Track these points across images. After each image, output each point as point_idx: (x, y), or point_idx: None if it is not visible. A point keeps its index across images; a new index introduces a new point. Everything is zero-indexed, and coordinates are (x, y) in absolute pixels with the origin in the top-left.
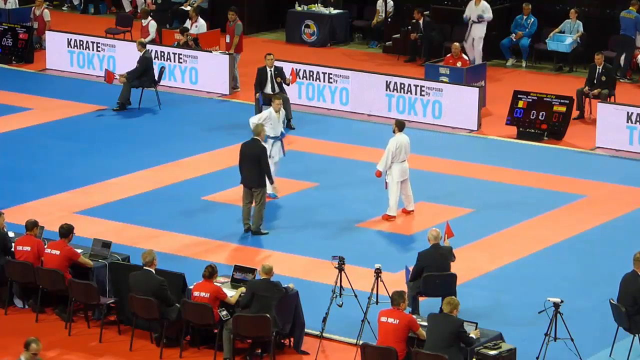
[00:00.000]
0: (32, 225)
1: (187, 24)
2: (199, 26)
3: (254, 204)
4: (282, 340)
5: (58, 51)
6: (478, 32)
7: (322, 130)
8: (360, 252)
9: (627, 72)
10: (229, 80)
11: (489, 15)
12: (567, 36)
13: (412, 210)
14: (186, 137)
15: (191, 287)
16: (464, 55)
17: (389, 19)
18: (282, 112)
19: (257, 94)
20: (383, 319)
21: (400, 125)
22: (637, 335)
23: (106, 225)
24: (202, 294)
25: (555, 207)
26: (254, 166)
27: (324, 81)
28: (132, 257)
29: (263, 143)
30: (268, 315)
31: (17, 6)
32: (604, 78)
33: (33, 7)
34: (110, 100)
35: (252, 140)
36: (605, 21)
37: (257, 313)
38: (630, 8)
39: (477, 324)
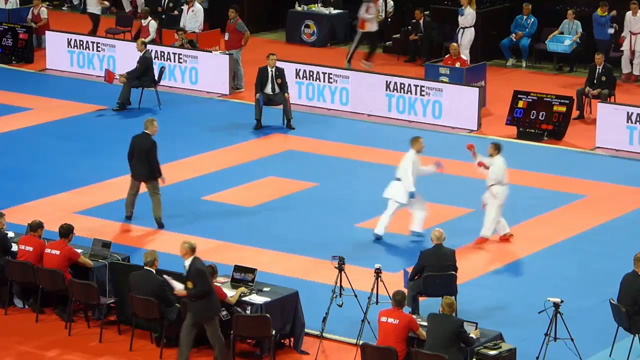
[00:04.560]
0: (37, 226)
1: (183, 14)
2: (196, 11)
3: (150, 196)
4: (282, 340)
5: (58, 51)
6: (465, 40)
7: (322, 130)
8: (360, 252)
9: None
10: (229, 80)
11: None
12: (566, 37)
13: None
14: (186, 137)
15: None
16: (462, 56)
17: (389, 19)
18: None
19: (258, 94)
20: (383, 319)
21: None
22: (637, 335)
23: (106, 225)
24: None
25: (555, 207)
26: (143, 160)
27: (324, 81)
28: (132, 257)
29: (153, 138)
30: (268, 315)
31: (18, 6)
32: (604, 78)
33: (32, 7)
34: (110, 100)
35: (142, 134)
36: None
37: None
38: (598, 10)
39: (477, 324)
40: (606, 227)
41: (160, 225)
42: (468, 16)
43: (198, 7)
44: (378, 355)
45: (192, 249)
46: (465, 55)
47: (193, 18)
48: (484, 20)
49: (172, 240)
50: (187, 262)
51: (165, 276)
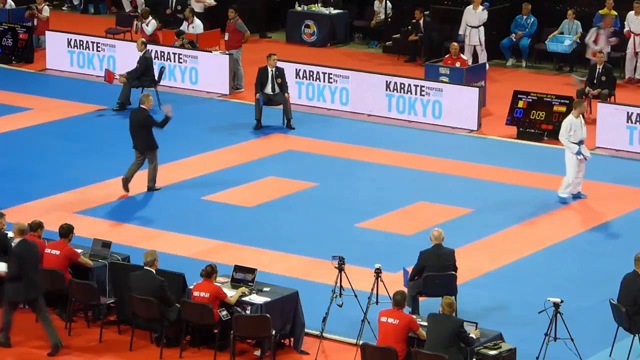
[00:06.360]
0: (36, 226)
1: (184, 25)
2: (195, 26)
3: (148, 166)
4: (282, 340)
5: (58, 51)
6: (476, 40)
7: (322, 130)
8: (360, 252)
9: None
10: (229, 80)
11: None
12: (566, 37)
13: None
14: (186, 137)
15: (191, 287)
16: (462, 55)
17: (389, 20)
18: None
19: (258, 94)
20: (383, 319)
21: None
22: (637, 335)
23: (106, 225)
24: (202, 294)
25: (555, 207)
26: (139, 132)
27: (324, 81)
28: (132, 257)
29: (149, 111)
30: (268, 315)
31: (14, 7)
32: (604, 78)
33: (34, 5)
34: (110, 100)
35: (138, 108)
36: None
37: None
38: (604, 9)
39: (477, 324)
40: (606, 227)
41: (151, 189)
42: (483, 13)
43: (197, 23)
44: (378, 355)
45: (20, 231)
46: (483, 54)
47: (192, 30)
48: None
49: (172, 240)
50: (14, 243)
51: None
